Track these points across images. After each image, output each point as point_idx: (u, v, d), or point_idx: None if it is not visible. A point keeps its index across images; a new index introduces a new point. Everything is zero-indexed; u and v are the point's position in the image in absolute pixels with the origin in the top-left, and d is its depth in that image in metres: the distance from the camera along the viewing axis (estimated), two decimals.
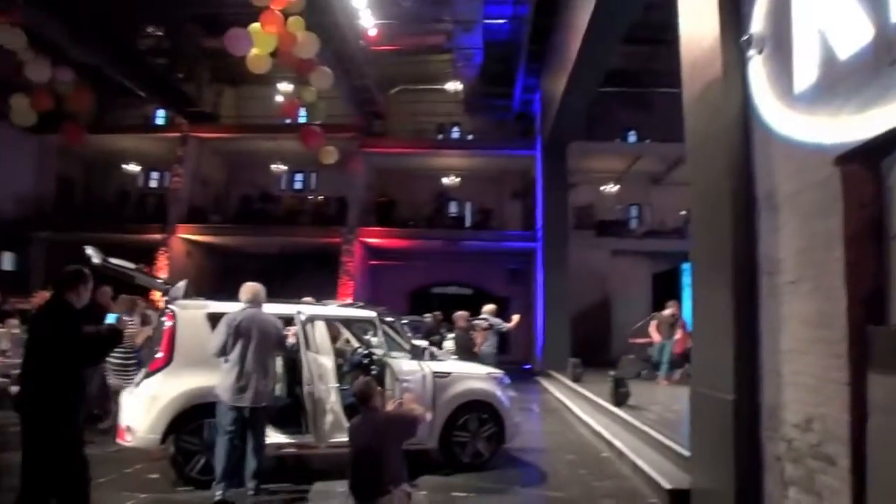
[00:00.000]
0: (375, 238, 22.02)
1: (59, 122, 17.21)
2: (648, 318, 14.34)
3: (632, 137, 22.99)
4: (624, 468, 7.06)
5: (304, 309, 6.61)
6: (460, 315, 10.57)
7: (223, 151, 24.07)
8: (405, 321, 16.35)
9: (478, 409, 7.07)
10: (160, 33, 22.23)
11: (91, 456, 4.48)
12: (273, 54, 12.48)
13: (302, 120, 25.13)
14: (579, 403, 11.13)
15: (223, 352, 5.63)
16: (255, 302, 5.93)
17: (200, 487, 5.75)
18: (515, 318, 11.94)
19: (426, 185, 23.68)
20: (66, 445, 4.16)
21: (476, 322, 11.28)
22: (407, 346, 7.13)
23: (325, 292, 19.09)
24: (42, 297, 10.30)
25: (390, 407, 5.16)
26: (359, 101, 22.32)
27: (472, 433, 6.99)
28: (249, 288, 5.98)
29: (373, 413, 4.76)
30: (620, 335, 17.50)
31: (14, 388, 8.83)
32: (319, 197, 24.46)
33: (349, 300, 20.12)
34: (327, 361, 6.43)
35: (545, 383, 15.13)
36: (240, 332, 5.62)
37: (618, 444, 7.63)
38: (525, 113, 22.31)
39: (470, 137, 24.66)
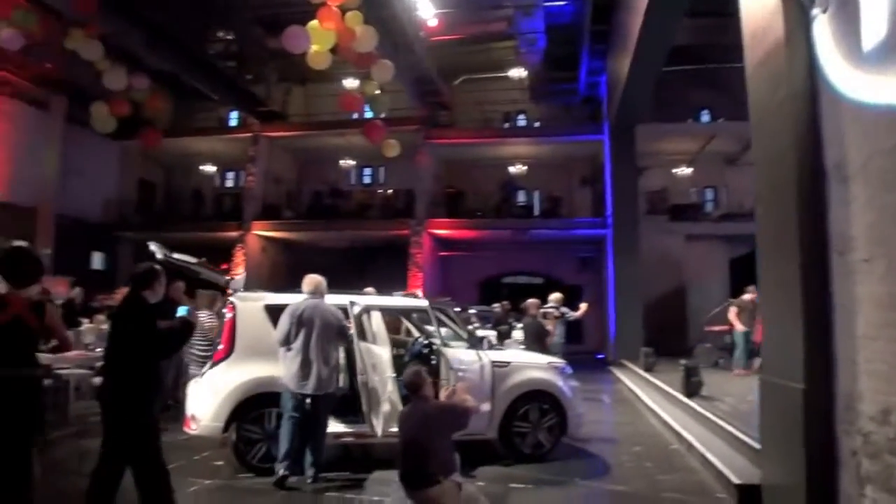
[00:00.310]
0: (444, 229, 22.02)
1: (139, 127, 18.01)
2: (726, 304, 13.72)
3: (705, 117, 22.08)
4: (693, 461, 6.74)
5: (357, 299, 6.61)
6: (532, 303, 10.29)
7: (293, 149, 24.63)
8: (473, 311, 16.35)
9: (538, 399, 6.90)
10: (229, 37, 22.89)
11: (163, 443, 4.55)
12: (333, 50, 12.61)
13: (368, 115, 25.55)
14: (650, 394, 10.76)
15: (287, 341, 5.82)
16: (316, 293, 6.10)
17: (261, 475, 5.88)
18: (583, 306, 11.64)
19: (493, 175, 23.49)
20: (141, 434, 4.30)
21: (547, 310, 11.08)
22: (464, 336, 7.03)
23: (395, 284, 19.30)
24: (123, 293, 10.80)
25: (444, 396, 5.08)
26: (422, 93, 22.34)
27: (533, 424, 6.83)
28: (311, 280, 6.17)
29: (423, 403, 4.69)
30: (696, 323, 16.87)
31: (96, 380, 9.33)
32: (388, 191, 24.70)
33: (417, 291, 20.32)
34: (383, 351, 6.39)
35: (617, 373, 14.75)
36: (302, 321, 5.81)
37: (687, 436, 7.30)
38: (591, 97, 21.77)
39: (536, 125, 24.32)
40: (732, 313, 12.56)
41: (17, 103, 19.06)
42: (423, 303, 6.85)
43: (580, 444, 7.53)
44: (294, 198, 25.00)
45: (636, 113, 17.45)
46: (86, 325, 11.02)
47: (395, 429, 5.95)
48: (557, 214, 22.19)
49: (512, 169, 22.76)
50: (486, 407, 6.60)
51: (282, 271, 23.45)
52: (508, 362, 6.93)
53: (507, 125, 24.28)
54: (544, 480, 6.08)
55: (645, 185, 20.62)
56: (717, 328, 14.34)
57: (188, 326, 4.62)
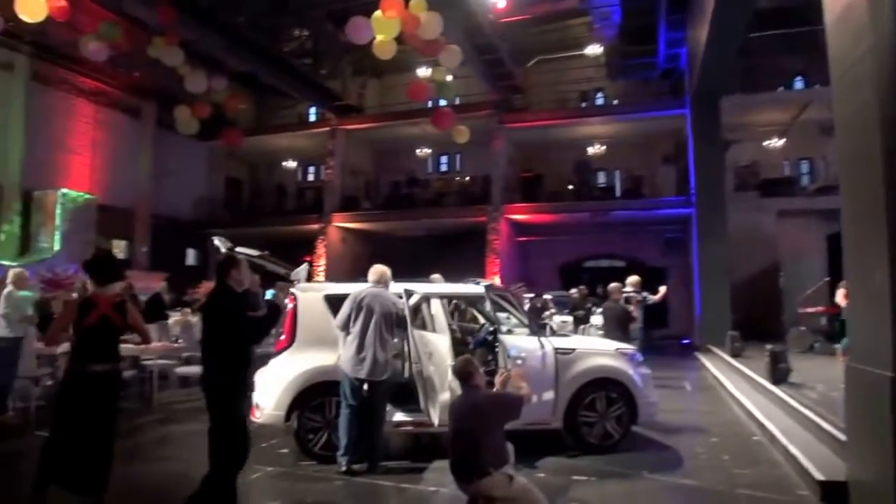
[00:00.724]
0: (521, 214, 21.67)
1: (223, 127, 18.65)
2: (822, 283, 12.77)
3: (798, 84, 20.63)
4: (775, 454, 6.24)
5: (415, 287, 6.51)
6: (615, 287, 9.91)
7: (370, 140, 24.88)
8: (549, 296, 16.00)
9: (606, 388, 6.57)
10: (303, 35, 23.30)
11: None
12: (400, 39, 12.52)
13: (442, 102, 25.43)
14: (735, 381, 10.13)
15: (346, 325, 5.90)
16: (380, 282, 6.12)
17: (323, 462, 5.91)
18: (662, 290, 11.13)
19: (570, 157, 22.90)
20: (229, 420, 4.41)
21: (630, 294, 10.66)
22: (526, 322, 6.80)
23: (472, 271, 19.18)
24: (207, 286, 11.16)
25: (498, 383, 4.88)
26: (494, 77, 22.00)
27: (600, 413, 6.52)
28: (376, 269, 6.26)
29: (473, 392, 4.52)
30: (790, 305, 15.81)
31: (180, 370, 9.71)
32: (466, 178, 24.56)
33: (495, 278, 20.11)
34: (442, 340, 6.25)
35: (703, 359, 14.04)
36: (361, 307, 5.89)
37: (770, 426, 6.77)
38: (672, 70, 20.74)
39: (615, 102, 23.47)
40: (841, 294, 11.56)
41: (111, 112, 20.18)
42: (479, 289, 6.64)
43: (653, 435, 7.17)
44: (372, 189, 25.30)
45: (720, 84, 16.49)
46: (174, 318, 11.48)
47: None
48: (639, 194, 21.32)
49: (590, 150, 22.10)
50: (548, 395, 6.37)
51: (362, 261, 23.73)
52: (573, 349, 6.63)
53: (584, 105, 23.54)
54: (609, 473, 5.77)
55: (733, 160, 19.49)
56: (812, 310, 13.38)
57: (275, 310, 4.65)
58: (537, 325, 6.73)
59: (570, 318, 13.43)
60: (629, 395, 6.58)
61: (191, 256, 23.61)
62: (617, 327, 9.21)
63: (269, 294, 4.88)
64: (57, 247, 16.52)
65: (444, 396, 6.00)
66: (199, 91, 15.48)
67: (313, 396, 6.14)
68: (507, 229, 21.94)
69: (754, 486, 5.25)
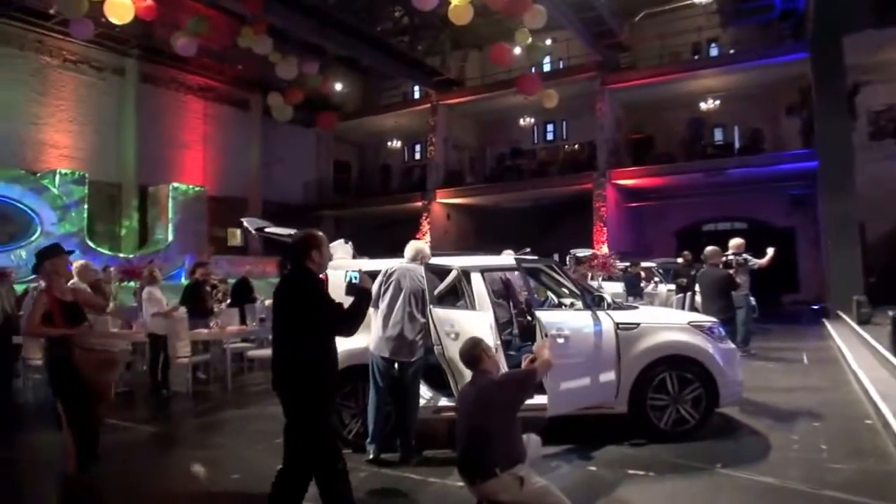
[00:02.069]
0: (628, 179, 20.27)
1: (324, 112, 18.82)
2: None
3: None
4: (888, 444, 5.07)
5: (454, 262, 5.91)
6: (712, 251, 8.54)
7: (472, 114, 24.27)
8: (654, 264, 14.73)
9: (678, 367, 5.65)
10: (399, 13, 22.98)
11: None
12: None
13: (546, 68, 24.32)
14: (859, 352, 8.66)
15: (376, 302, 5.39)
16: (416, 259, 5.59)
17: (357, 451, 5.45)
18: (770, 252, 9.75)
19: (683, 115, 21.07)
20: (315, 419, 3.74)
21: (731, 258, 9.47)
22: (577, 293, 5.97)
23: (580, 241, 18.20)
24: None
25: (526, 361, 4.19)
26: (595, 37, 20.53)
27: (672, 395, 5.61)
28: (412, 246, 5.71)
29: (481, 378, 3.89)
30: None
31: (252, 353, 9.71)
32: (574, 146, 23.38)
33: (603, 247, 18.97)
34: (478, 317, 5.61)
35: (830, 327, 12.30)
36: (390, 283, 5.42)
37: (886, 409, 5.54)
38: (791, 10, 18.37)
39: (731, 52, 21.23)
40: None
41: (220, 106, 20.96)
42: (508, 260, 5.87)
43: (745, 419, 6.15)
44: (476, 163, 24.74)
45: (843, 20, 14.28)
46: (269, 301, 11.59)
47: None
48: (759, 150, 19.19)
49: (704, 105, 20.18)
50: (607, 376, 5.55)
51: (467, 237, 23.38)
52: (637, 324, 5.74)
53: (696, 57, 21.49)
54: (673, 466, 4.90)
55: (865, 105, 16.98)
56: None
57: (365, 293, 3.95)
58: (592, 298, 5.86)
59: (673, 287, 12.25)
60: (707, 374, 5.62)
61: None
62: (716, 295, 8.06)
63: (352, 275, 4.07)
64: (171, 238, 17.42)
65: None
66: (290, 77, 15.61)
67: (345, 381, 5.67)
68: (615, 195, 20.61)
69: (848, 487, 4.20)
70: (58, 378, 4.88)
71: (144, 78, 18.32)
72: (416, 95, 26.09)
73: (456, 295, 6.04)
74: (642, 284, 12.72)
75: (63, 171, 15.48)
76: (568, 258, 15.37)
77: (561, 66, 23.18)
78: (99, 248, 16.12)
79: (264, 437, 6.13)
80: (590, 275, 12.83)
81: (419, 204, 22.78)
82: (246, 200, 21.40)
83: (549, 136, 24.96)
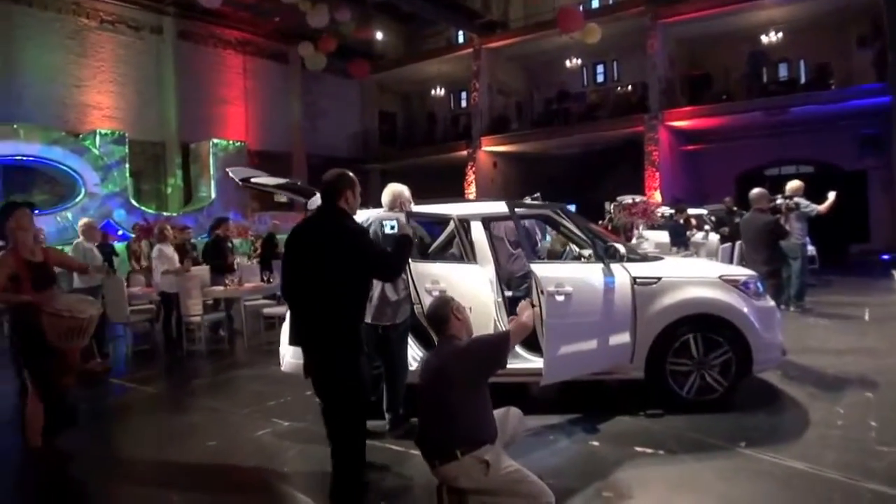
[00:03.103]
0: (683, 120, 18.79)
1: (362, 60, 18.07)
2: None
3: None
4: None
5: (447, 209, 5.22)
6: (758, 194, 7.20)
7: (517, 57, 23.00)
8: (704, 211, 13.58)
9: (705, 327, 4.85)
10: None
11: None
12: None
13: (594, 4, 22.72)
14: None
15: None
16: (395, 206, 4.82)
17: None
18: (831, 196, 8.62)
19: (742, 50, 19.21)
20: (356, 376, 3.38)
21: (779, 203, 8.40)
22: (588, 242, 5.18)
23: (632, 188, 17.08)
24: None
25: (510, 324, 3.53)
26: None
27: (696, 360, 4.84)
28: (389, 190, 4.86)
29: (447, 344, 3.25)
30: None
31: (267, 311, 9.31)
32: (627, 87, 21.86)
33: (655, 193, 17.79)
34: (474, 271, 4.95)
35: None
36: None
37: None
38: None
39: None
40: None
41: (259, 60, 20.47)
42: (499, 206, 5.11)
43: (785, 386, 5.32)
44: (523, 108, 23.54)
45: None
46: None
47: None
48: (827, 85, 17.33)
49: (766, 39, 18.33)
50: (621, 338, 4.81)
51: (514, 186, 22.42)
52: (657, 278, 4.94)
53: None
54: (689, 442, 4.17)
55: None
56: None
57: (407, 240, 3.56)
58: (605, 248, 5.05)
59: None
60: (738, 335, 4.80)
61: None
62: (760, 244, 6.98)
63: (389, 225, 3.85)
64: (213, 195, 17.28)
65: None
66: (322, 26, 14.96)
67: None
68: (669, 139, 19.21)
69: (893, 479, 3.40)
70: (22, 343, 4.53)
71: (182, 35, 17.98)
72: (460, 40, 24.94)
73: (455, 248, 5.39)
74: (690, 233, 11.66)
75: (103, 132, 15.40)
76: (613, 206, 14.40)
77: (610, 1, 21.59)
78: (143, 207, 16.15)
79: (257, 400, 5.77)
80: (633, 223, 11.86)
81: (464, 153, 21.96)
82: (290, 155, 21.07)
83: (600, 79, 23.47)
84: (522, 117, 22.85)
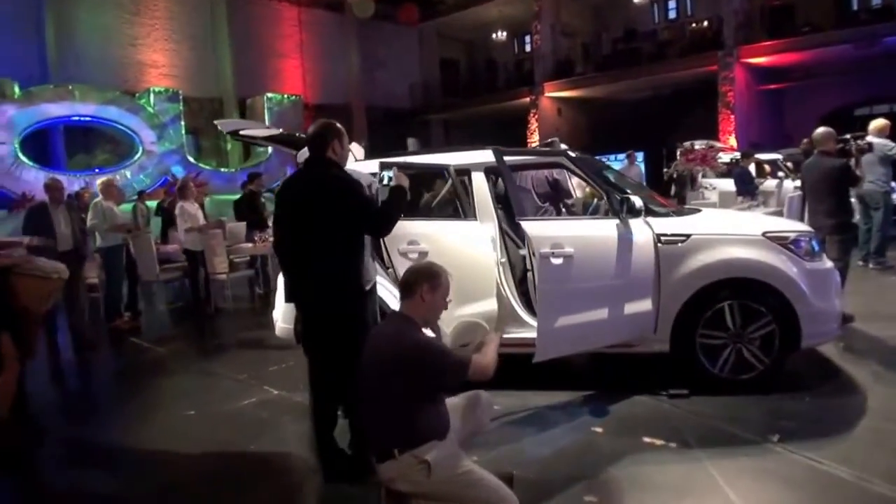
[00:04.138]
0: (762, 56, 16.90)
1: (410, 5, 17.19)
2: None
3: None
4: None
5: (442, 159, 4.54)
6: (823, 134, 5.91)
7: None
8: (779, 156, 12.16)
9: (744, 294, 4.03)
10: None
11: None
12: None
13: None
14: None
15: None
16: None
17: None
18: None
19: None
20: (353, 330, 3.09)
21: (849, 144, 7.17)
22: (604, 192, 4.37)
23: (708, 133, 15.65)
24: None
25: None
26: None
27: (732, 332, 4.03)
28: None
29: (402, 324, 2.64)
30: None
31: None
32: (703, 23, 19.94)
33: (730, 138, 16.27)
34: (470, 228, 4.28)
35: None
36: None
37: None
38: None
39: None
40: None
41: (314, 11, 19.86)
42: (485, 154, 4.35)
43: (844, 364, 4.43)
44: (589, 50, 22.00)
45: None
46: None
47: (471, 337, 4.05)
48: None
49: None
50: (641, 306, 4.06)
51: (580, 134, 21.16)
52: (685, 235, 4.12)
53: None
54: (709, 433, 3.42)
55: None
56: None
57: (401, 190, 3.30)
58: (621, 201, 4.21)
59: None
60: (785, 303, 3.96)
61: (411, 145, 23.18)
62: (824, 192, 5.81)
63: (386, 175, 3.52)
64: (270, 149, 17.06)
65: (472, 309, 4.14)
66: None
67: None
68: (746, 77, 17.40)
69: None
70: None
71: None
72: None
73: (453, 205, 4.72)
74: (759, 181, 10.40)
75: (157, 90, 15.36)
76: (679, 152, 13.16)
77: None
78: (203, 164, 16.17)
79: (258, 365, 5.44)
80: (693, 172, 10.70)
81: (527, 100, 20.81)
82: (348, 107, 20.58)
83: (671, 14, 21.56)
84: (589, 60, 21.35)
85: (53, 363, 6.26)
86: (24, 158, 12.98)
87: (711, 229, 4.24)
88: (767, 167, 11.75)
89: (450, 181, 4.53)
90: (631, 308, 4.05)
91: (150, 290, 8.96)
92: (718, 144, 13.53)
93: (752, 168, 10.83)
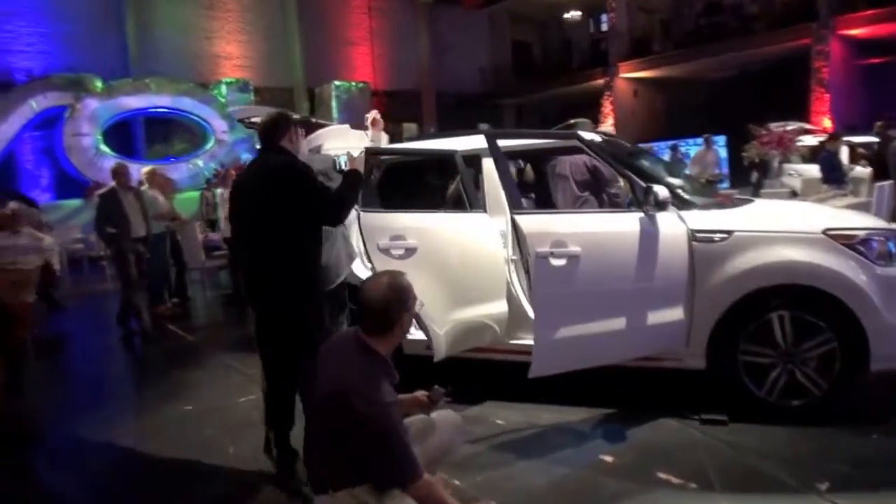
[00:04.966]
0: (860, 27, 15.16)
1: None
2: None
3: None
4: None
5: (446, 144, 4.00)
6: None
7: None
8: (872, 139, 10.70)
9: (798, 305, 3.28)
10: None
11: None
12: None
13: None
14: None
15: None
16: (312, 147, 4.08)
17: None
18: None
19: None
20: (307, 331, 2.93)
21: None
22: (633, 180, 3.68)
23: (795, 113, 14.22)
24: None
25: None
26: None
27: (783, 350, 3.30)
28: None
29: (361, 359, 2.13)
30: None
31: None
32: None
33: (824, 120, 14.73)
34: (472, 221, 3.73)
35: None
36: None
37: None
38: None
39: None
40: None
41: None
42: (476, 140, 3.72)
43: None
44: (670, 26, 20.53)
45: None
46: None
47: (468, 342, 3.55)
48: None
49: None
50: (671, 314, 3.40)
51: (658, 117, 19.87)
52: (727, 232, 3.41)
53: None
54: (741, 474, 2.76)
55: None
56: None
57: (355, 175, 3.08)
58: (646, 191, 3.53)
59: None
60: (850, 317, 3.19)
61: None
62: None
63: (342, 160, 3.55)
64: None
65: (478, 311, 3.62)
66: None
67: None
68: (842, 51, 15.69)
69: None
70: None
71: None
72: None
73: (457, 195, 4.18)
74: (848, 166, 9.12)
75: (228, 80, 15.56)
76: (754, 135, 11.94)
77: None
78: None
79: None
80: (769, 154, 9.56)
81: (601, 82, 19.70)
82: (418, 93, 20.21)
83: None
84: (667, 38, 19.93)
85: (81, 348, 6.27)
86: (105, 149, 13.43)
87: (759, 225, 3.49)
88: (863, 150, 10.38)
89: (457, 169, 3.99)
90: (655, 317, 3.40)
91: (198, 277, 8.93)
92: (807, 126, 12.17)
93: (843, 153, 9.56)
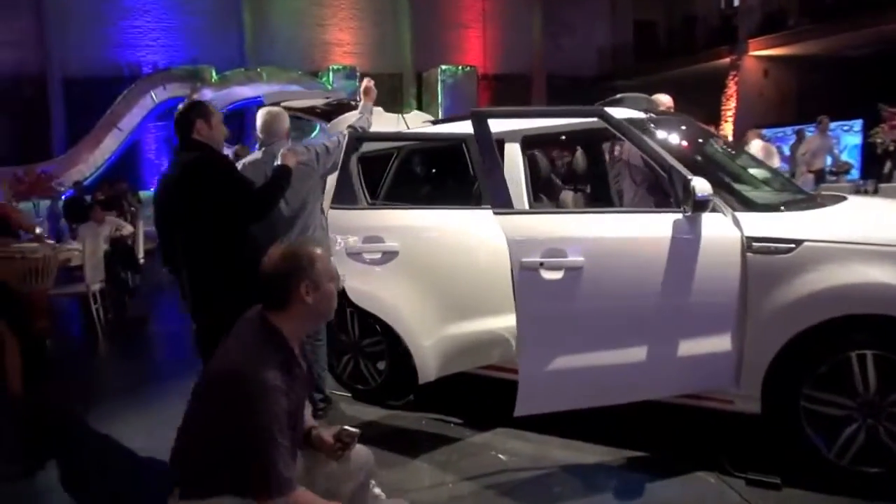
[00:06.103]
0: None
1: None
2: None
3: None
4: None
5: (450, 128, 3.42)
6: None
7: None
8: None
9: (885, 341, 2.41)
10: None
11: None
12: None
13: None
14: None
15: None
16: (273, 136, 3.48)
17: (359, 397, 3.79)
18: None
19: None
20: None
21: None
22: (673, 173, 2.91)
23: None
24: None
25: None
26: None
27: (863, 399, 2.45)
28: (264, 116, 3.55)
29: (260, 344, 1.72)
30: None
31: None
32: None
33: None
34: (478, 218, 3.12)
35: None
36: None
37: None
38: None
39: None
40: None
41: None
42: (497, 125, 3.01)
43: None
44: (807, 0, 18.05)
45: None
46: None
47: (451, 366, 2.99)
48: None
49: None
50: (716, 344, 2.64)
51: (789, 100, 17.64)
52: (794, 241, 2.56)
53: None
54: None
55: None
56: None
57: (285, 171, 2.92)
58: (685, 187, 2.72)
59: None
60: None
61: None
62: None
63: (279, 153, 3.09)
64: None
65: (490, 324, 3.07)
66: None
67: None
68: None
69: None
70: None
71: None
72: None
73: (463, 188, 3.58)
74: None
75: (335, 67, 15.65)
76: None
77: None
78: None
79: None
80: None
81: (726, 61, 17.76)
82: (528, 77, 19.35)
83: None
84: (805, 11, 17.52)
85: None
86: None
87: (840, 233, 2.60)
88: None
89: (466, 157, 3.40)
90: (691, 347, 2.64)
91: None
92: None
93: None
